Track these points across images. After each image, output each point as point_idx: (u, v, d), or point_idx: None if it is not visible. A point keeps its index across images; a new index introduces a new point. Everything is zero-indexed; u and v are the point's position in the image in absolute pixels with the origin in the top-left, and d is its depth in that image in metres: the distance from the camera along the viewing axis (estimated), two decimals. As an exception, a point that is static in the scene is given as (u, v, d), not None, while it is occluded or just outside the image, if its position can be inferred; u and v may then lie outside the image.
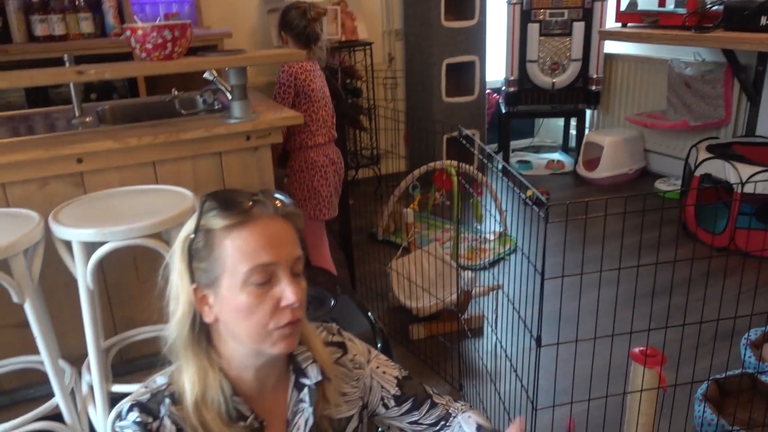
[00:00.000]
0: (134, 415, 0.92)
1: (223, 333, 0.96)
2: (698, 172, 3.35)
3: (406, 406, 1.12)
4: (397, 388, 1.12)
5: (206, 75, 2.09)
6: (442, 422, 1.13)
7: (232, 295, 0.90)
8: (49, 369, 1.70)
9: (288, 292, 0.90)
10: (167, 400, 0.94)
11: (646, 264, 1.32)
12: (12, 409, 1.93)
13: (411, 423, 1.13)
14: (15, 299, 1.57)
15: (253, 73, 3.91)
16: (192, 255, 0.92)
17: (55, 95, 3.42)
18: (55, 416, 1.74)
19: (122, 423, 0.93)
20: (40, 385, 2.03)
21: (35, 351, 1.89)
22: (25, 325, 1.84)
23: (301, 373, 1.03)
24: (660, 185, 4.13)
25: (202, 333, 0.97)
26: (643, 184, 4.32)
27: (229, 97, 2.05)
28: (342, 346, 1.10)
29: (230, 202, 0.92)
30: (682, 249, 3.32)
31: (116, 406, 1.74)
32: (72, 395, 1.81)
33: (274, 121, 2.07)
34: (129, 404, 0.94)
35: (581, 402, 1.64)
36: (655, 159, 4.50)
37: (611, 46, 4.58)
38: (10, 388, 2.02)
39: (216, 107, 2.24)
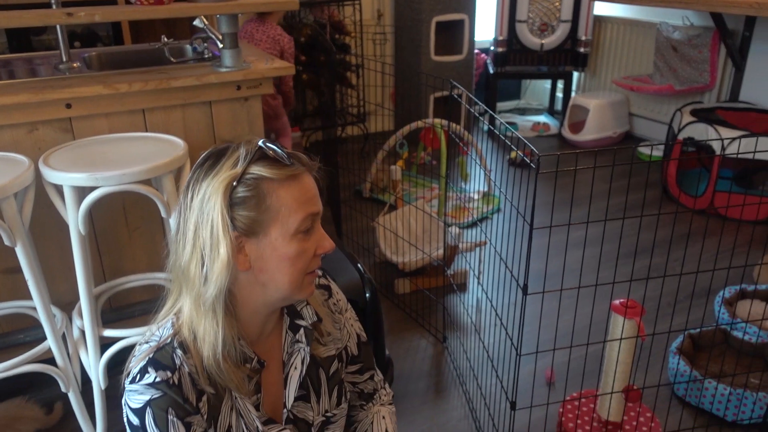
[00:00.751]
0: (151, 376, 0.91)
1: (249, 281, 0.95)
2: (681, 136, 3.40)
3: (354, 367, 1.20)
4: (356, 348, 1.19)
5: (196, 22, 2.05)
6: (368, 398, 1.24)
7: (282, 244, 0.92)
8: (41, 313, 1.71)
9: (326, 241, 0.97)
10: (179, 351, 0.93)
11: (631, 216, 1.36)
12: (4, 352, 1.95)
13: (350, 383, 1.21)
14: (6, 242, 1.57)
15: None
16: (235, 203, 0.90)
17: (37, 42, 3.35)
18: (47, 360, 1.77)
19: (139, 385, 0.91)
20: (31, 329, 2.05)
21: (24, 297, 1.91)
22: (15, 270, 1.85)
23: (295, 315, 1.06)
24: (643, 149, 4.18)
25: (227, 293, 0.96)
26: (625, 149, 4.37)
27: (220, 45, 2.03)
28: (328, 289, 1.15)
29: (278, 154, 0.92)
30: (663, 210, 3.39)
31: (108, 350, 1.78)
32: (63, 340, 1.83)
33: (265, 71, 2.06)
34: (140, 365, 0.92)
35: (563, 349, 1.70)
36: (639, 123, 4.55)
37: (601, 8, 4.56)
38: (2, 333, 2.03)
39: (206, 56, 2.21)
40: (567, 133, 4.51)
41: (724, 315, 2.32)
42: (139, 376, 0.92)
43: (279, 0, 2.09)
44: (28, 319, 1.99)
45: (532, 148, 1.39)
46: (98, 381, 1.81)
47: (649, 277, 1.52)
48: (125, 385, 0.93)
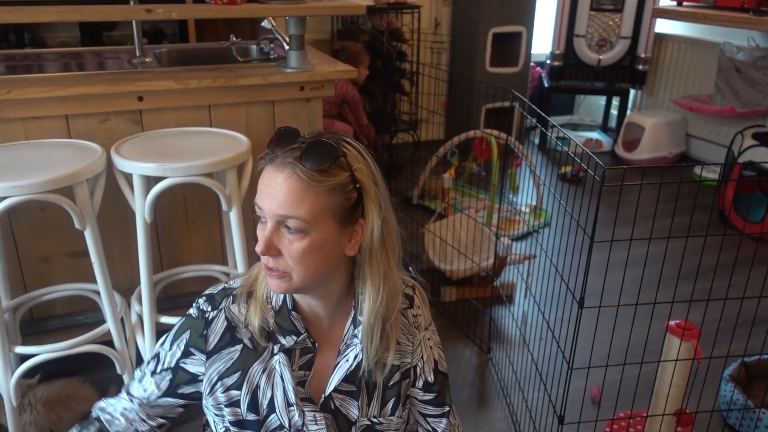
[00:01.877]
0: (201, 301, 1.07)
1: None
2: (741, 159, 3.31)
3: (428, 396, 1.14)
4: (432, 375, 1.14)
5: (264, 23, 2.11)
6: None
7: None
8: (104, 296, 1.77)
9: (259, 238, 0.95)
10: (230, 298, 1.05)
11: (694, 235, 1.33)
12: (65, 332, 2.03)
13: (421, 414, 1.16)
14: (77, 225, 1.63)
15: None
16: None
17: (108, 38, 3.48)
18: (105, 342, 1.83)
19: (195, 304, 1.07)
20: (89, 312, 2.13)
21: (87, 280, 1.98)
22: (80, 254, 1.92)
23: (360, 311, 1.06)
24: (699, 171, 4.08)
25: None
26: (681, 169, 4.28)
27: (287, 47, 2.08)
28: (410, 299, 1.13)
29: (276, 139, 0.96)
30: (719, 236, 3.30)
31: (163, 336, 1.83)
32: (121, 323, 1.89)
33: (328, 73, 2.10)
34: (205, 294, 1.08)
35: (614, 368, 1.67)
36: (696, 144, 4.44)
37: (662, 26, 4.48)
38: (63, 313, 2.11)
39: (272, 56, 2.27)
40: (620, 151, 4.44)
41: (782, 345, 2.24)
42: (198, 299, 1.08)
43: (347, 5, 2.13)
44: (87, 302, 2.07)
45: (598, 160, 1.38)
46: (152, 366, 1.86)
47: (710, 299, 1.49)
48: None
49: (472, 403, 2.10)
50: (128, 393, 1.11)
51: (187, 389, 1.07)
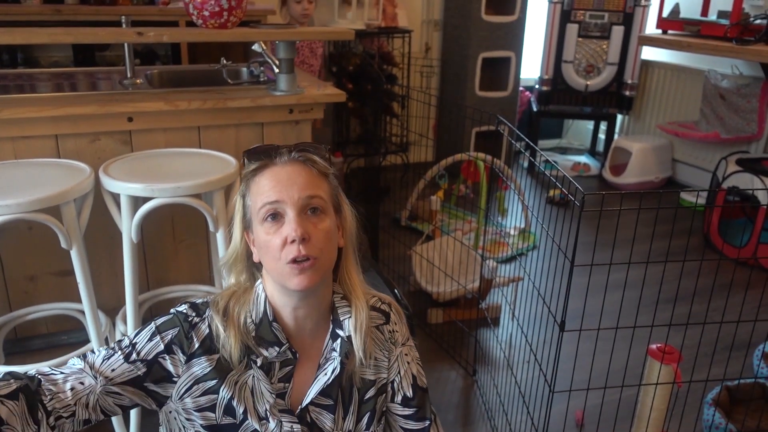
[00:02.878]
0: (184, 307, 1.06)
1: (264, 270, 1.06)
2: (726, 184, 3.36)
3: (408, 411, 1.16)
4: (411, 390, 1.16)
5: (255, 47, 2.14)
6: None
7: (258, 232, 1.02)
8: (88, 316, 1.77)
9: (288, 228, 0.98)
10: (212, 312, 1.06)
11: (674, 260, 1.36)
12: (48, 352, 2.02)
13: (403, 428, 1.18)
14: (63, 244, 1.64)
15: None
16: (242, 201, 1.05)
17: (100, 58, 3.51)
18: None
19: (175, 309, 1.06)
20: (74, 331, 2.13)
21: (73, 299, 1.99)
22: (66, 274, 1.93)
23: (337, 324, 1.09)
24: (686, 196, 4.14)
25: (251, 269, 1.09)
26: (668, 193, 4.33)
27: (276, 70, 2.11)
28: (387, 315, 1.16)
29: (261, 152, 1.03)
30: (705, 259, 3.34)
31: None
32: (106, 343, 1.89)
33: (317, 96, 2.13)
34: (184, 305, 1.07)
35: (596, 392, 1.68)
36: (682, 169, 4.50)
37: (648, 53, 4.57)
38: (47, 332, 2.11)
39: (261, 79, 2.30)
40: (608, 175, 4.49)
41: (764, 369, 2.26)
42: (183, 305, 1.07)
43: (336, 30, 2.17)
44: (72, 321, 2.07)
45: (578, 186, 1.41)
46: (136, 386, 1.85)
47: (689, 323, 1.51)
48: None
49: (457, 426, 2.10)
50: (91, 366, 0.98)
51: (153, 387, 1.02)
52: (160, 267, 2.18)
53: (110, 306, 2.09)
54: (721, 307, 1.86)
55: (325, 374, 1.08)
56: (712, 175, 3.71)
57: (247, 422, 1.05)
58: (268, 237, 0.99)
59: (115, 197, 1.75)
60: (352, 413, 1.11)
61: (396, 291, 1.98)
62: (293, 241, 0.97)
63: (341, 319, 1.09)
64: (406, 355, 1.17)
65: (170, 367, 1.02)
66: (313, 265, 0.98)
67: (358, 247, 1.13)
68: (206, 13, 1.88)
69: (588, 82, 4.49)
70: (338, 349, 1.08)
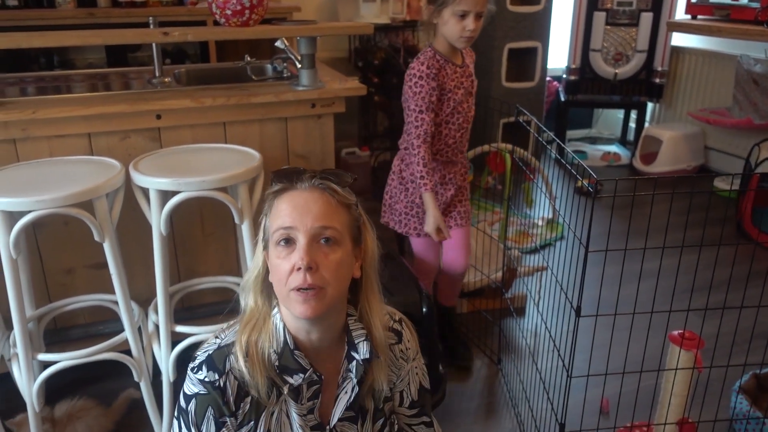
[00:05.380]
0: (203, 373, 1.05)
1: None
2: (759, 171, 3.29)
3: (412, 411, 1.25)
4: (417, 394, 1.24)
5: (278, 44, 2.19)
6: None
7: (271, 254, 1.03)
8: (121, 306, 1.85)
9: (296, 255, 0.99)
10: (233, 357, 1.05)
11: (690, 246, 1.36)
12: (86, 341, 2.11)
13: (406, 424, 1.27)
14: (96, 237, 1.72)
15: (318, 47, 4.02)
16: (264, 221, 1.07)
17: (132, 59, 3.61)
18: (124, 351, 1.90)
19: (194, 376, 1.06)
20: (110, 322, 2.21)
21: (108, 291, 2.07)
22: (101, 266, 2.01)
23: (352, 347, 1.12)
24: (719, 183, 4.06)
25: (268, 290, 1.09)
26: (701, 181, 4.26)
27: (299, 65, 2.16)
28: (399, 335, 1.20)
29: (284, 175, 1.04)
30: (733, 248, 3.28)
31: (177, 346, 1.90)
32: (139, 332, 1.97)
33: (338, 90, 2.17)
34: (200, 359, 1.07)
35: (616, 377, 1.69)
36: (715, 156, 4.42)
37: (679, 39, 4.49)
38: (84, 323, 2.20)
39: (285, 75, 2.35)
40: (638, 164, 4.43)
41: (794, 357, 2.23)
42: (197, 368, 1.05)
43: (355, 25, 2.20)
44: (108, 312, 2.15)
45: (591, 173, 1.42)
46: (167, 373, 1.93)
47: (707, 308, 1.50)
48: (189, 368, 1.07)
49: (480, 412, 2.13)
50: None
51: None
52: (190, 259, 2.25)
53: (144, 297, 2.17)
54: (753, 296, 1.84)
55: (345, 392, 1.12)
56: (745, 161, 3.64)
57: None
58: (279, 261, 1.01)
59: (145, 192, 1.82)
60: (369, 420, 1.17)
61: (419, 283, 2.02)
62: (299, 269, 0.98)
63: (356, 341, 1.11)
64: (416, 368, 1.23)
65: None
66: (317, 294, 0.99)
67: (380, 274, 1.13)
68: (228, 12, 1.93)
69: (617, 71, 4.43)
70: (354, 371, 1.11)
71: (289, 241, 1.00)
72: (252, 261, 1.11)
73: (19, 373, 1.80)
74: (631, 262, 1.61)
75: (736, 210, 3.57)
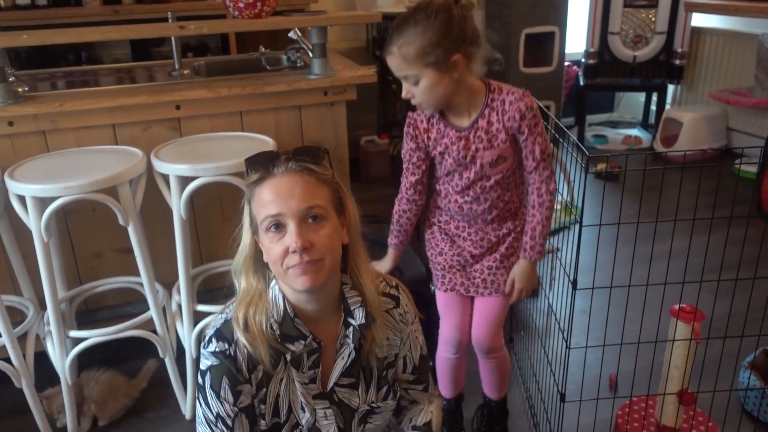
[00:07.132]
0: (213, 345, 1.11)
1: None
2: (778, 151, 3.28)
3: (413, 376, 1.31)
4: (418, 360, 1.30)
5: (291, 34, 2.28)
6: (411, 405, 1.37)
7: (263, 239, 1.09)
8: (146, 287, 1.96)
9: (290, 239, 1.04)
10: (237, 330, 1.11)
11: (702, 218, 1.40)
12: (115, 320, 2.23)
13: (404, 389, 1.33)
14: (121, 221, 1.83)
15: (334, 38, 4.09)
16: (248, 208, 1.12)
17: (156, 53, 3.74)
18: (150, 330, 2.02)
19: (206, 351, 1.12)
20: (137, 303, 2.33)
21: (135, 273, 2.18)
22: (128, 251, 2.13)
23: (348, 313, 1.19)
24: (742, 166, 4.02)
25: (263, 269, 1.15)
26: (723, 163, 4.22)
27: (311, 55, 2.23)
28: (396, 299, 1.25)
29: (258, 162, 1.09)
30: (753, 228, 3.27)
31: (199, 324, 2.01)
32: (163, 312, 2.08)
33: (350, 78, 2.24)
34: (209, 334, 1.13)
35: (612, 346, 1.74)
36: (738, 137, 4.38)
37: (699, 20, 4.44)
38: (113, 304, 2.33)
39: (298, 65, 2.43)
40: (659, 147, 4.41)
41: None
42: (207, 342, 1.12)
43: (364, 14, 2.27)
44: (134, 293, 2.27)
45: (584, 150, 1.47)
46: (190, 349, 2.04)
47: (703, 280, 1.54)
48: (201, 347, 1.15)
49: (491, 389, 2.19)
50: None
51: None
52: (211, 243, 2.35)
53: (169, 279, 2.27)
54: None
55: (342, 358, 1.19)
56: (765, 142, 3.61)
57: (290, 417, 1.17)
58: (272, 245, 1.06)
59: (165, 178, 1.92)
60: (374, 386, 1.23)
61: (430, 267, 2.08)
62: (294, 251, 1.04)
63: (351, 308, 1.18)
64: (416, 331, 1.29)
65: (249, 400, 1.13)
66: (316, 265, 1.06)
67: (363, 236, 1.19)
68: (241, 5, 2.02)
69: (636, 53, 4.41)
70: (351, 336, 1.18)
71: (279, 226, 1.05)
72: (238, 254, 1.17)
73: (53, 349, 1.92)
74: (647, 243, 1.64)
75: (756, 190, 3.55)
